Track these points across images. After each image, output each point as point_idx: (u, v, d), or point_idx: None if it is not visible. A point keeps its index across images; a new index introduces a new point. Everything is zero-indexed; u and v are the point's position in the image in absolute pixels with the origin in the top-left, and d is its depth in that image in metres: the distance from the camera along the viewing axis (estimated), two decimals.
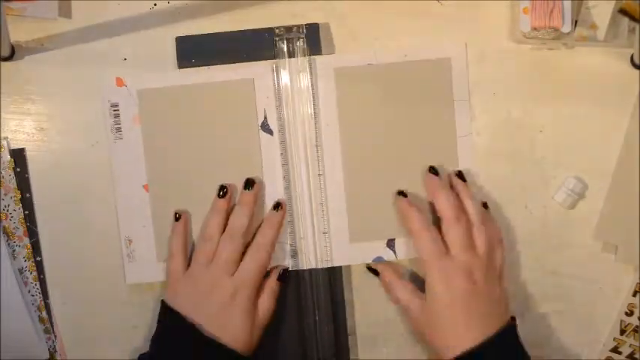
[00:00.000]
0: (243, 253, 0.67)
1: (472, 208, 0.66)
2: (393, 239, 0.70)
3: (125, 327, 0.71)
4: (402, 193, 0.68)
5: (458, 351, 0.62)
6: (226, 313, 0.64)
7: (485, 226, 0.66)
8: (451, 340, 0.63)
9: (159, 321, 0.66)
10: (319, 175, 0.70)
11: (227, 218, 0.68)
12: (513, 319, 0.65)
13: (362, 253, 0.70)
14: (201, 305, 0.65)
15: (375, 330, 0.71)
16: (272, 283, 0.68)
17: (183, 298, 0.66)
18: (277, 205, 0.69)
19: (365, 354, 0.71)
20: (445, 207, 0.66)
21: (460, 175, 0.69)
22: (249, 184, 0.69)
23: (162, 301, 0.66)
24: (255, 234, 0.68)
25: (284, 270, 0.69)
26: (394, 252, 0.70)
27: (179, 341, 0.64)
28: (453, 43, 0.70)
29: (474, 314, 0.63)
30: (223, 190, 0.69)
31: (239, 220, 0.67)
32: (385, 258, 0.70)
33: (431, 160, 0.69)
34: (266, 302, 0.67)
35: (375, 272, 0.70)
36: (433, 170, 0.68)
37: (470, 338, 0.62)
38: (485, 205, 0.69)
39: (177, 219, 0.69)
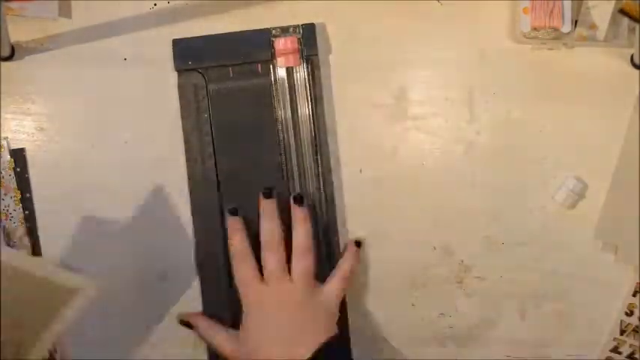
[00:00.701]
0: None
1: (298, 236, 0.67)
2: None
3: (125, 327, 0.71)
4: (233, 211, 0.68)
5: None
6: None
7: (305, 256, 0.66)
8: None
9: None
10: (317, 175, 0.70)
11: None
12: (332, 337, 0.65)
13: None
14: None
15: (376, 330, 0.71)
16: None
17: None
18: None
19: (365, 354, 0.71)
20: (263, 233, 0.67)
21: (296, 200, 0.68)
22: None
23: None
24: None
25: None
26: None
27: None
28: None
29: (284, 340, 0.64)
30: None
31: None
32: None
33: None
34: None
35: (188, 325, 0.69)
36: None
37: None
38: (357, 244, 0.70)
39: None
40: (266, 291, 0.66)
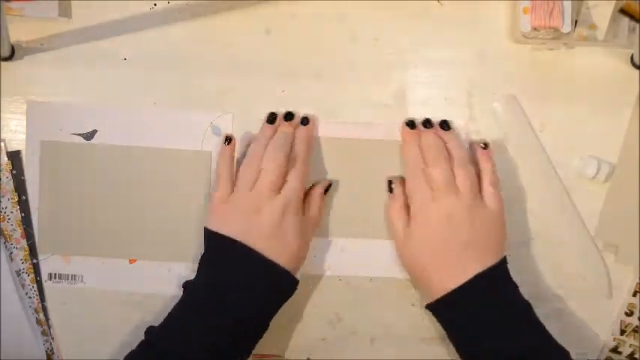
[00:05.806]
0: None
1: (455, 150, 0.67)
2: None
3: (125, 327, 0.70)
4: (410, 124, 0.69)
5: (438, 293, 0.63)
6: (277, 231, 0.64)
7: (468, 167, 0.66)
8: (434, 283, 0.64)
9: (206, 248, 0.65)
10: None
11: None
12: (503, 260, 0.65)
13: None
14: (249, 227, 0.64)
15: (375, 330, 0.71)
16: (317, 195, 0.68)
17: (230, 222, 0.65)
18: (305, 120, 0.69)
19: (365, 354, 0.71)
20: (426, 149, 0.67)
21: (443, 124, 0.69)
22: (289, 116, 0.69)
23: (206, 228, 0.66)
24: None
25: (329, 185, 0.70)
26: None
27: (231, 263, 0.63)
28: None
29: (453, 257, 0.63)
30: (272, 117, 0.69)
31: (281, 138, 0.67)
32: None
33: None
34: (314, 215, 0.68)
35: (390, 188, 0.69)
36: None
37: (450, 279, 0.63)
38: (485, 145, 0.69)
39: (227, 142, 0.68)
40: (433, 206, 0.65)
